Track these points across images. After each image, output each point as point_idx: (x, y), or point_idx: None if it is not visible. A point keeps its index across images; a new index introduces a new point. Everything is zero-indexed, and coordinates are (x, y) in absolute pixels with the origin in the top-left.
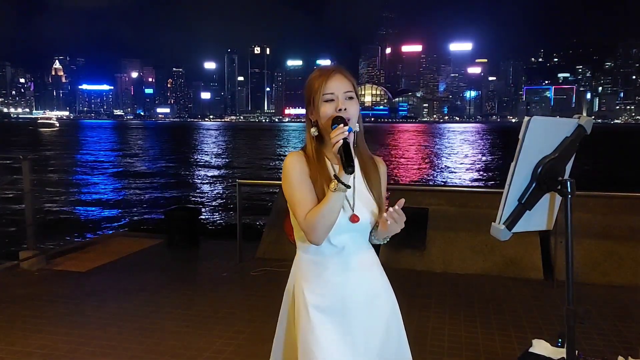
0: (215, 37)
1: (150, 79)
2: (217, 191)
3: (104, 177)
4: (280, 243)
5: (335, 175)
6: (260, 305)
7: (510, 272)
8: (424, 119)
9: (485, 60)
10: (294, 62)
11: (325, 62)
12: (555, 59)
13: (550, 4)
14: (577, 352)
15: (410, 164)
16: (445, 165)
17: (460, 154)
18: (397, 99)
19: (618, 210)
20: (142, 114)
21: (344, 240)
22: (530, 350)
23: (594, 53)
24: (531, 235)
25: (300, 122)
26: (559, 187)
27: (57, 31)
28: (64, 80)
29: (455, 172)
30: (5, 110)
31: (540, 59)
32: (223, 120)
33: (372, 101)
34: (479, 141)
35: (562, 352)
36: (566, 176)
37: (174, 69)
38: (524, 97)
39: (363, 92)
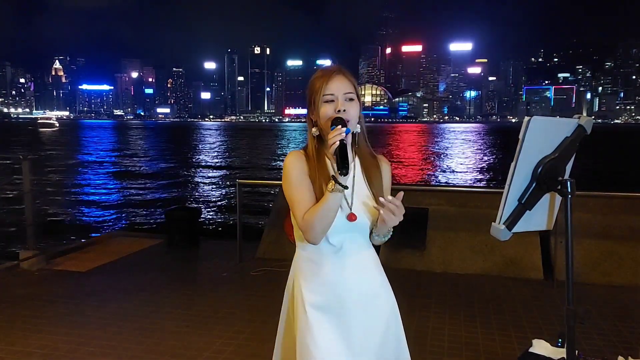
0: (215, 37)
1: (150, 79)
2: (217, 191)
3: (104, 177)
4: (280, 243)
5: (333, 176)
6: (260, 305)
7: (510, 272)
8: (424, 119)
9: (485, 60)
10: (294, 62)
11: (325, 62)
12: (555, 59)
13: (550, 4)
14: (577, 352)
15: (410, 164)
16: (445, 165)
17: (460, 154)
18: (397, 99)
19: (618, 210)
20: (142, 114)
21: (342, 240)
22: (530, 350)
23: (594, 53)
24: (531, 235)
25: (300, 122)
26: (559, 187)
27: (57, 31)
28: (64, 80)
29: (455, 172)
30: (5, 110)
31: (540, 59)
32: (223, 120)
33: (372, 101)
34: (479, 141)
35: (562, 352)
36: (566, 176)
37: (174, 69)
38: (524, 97)
39: (363, 92)
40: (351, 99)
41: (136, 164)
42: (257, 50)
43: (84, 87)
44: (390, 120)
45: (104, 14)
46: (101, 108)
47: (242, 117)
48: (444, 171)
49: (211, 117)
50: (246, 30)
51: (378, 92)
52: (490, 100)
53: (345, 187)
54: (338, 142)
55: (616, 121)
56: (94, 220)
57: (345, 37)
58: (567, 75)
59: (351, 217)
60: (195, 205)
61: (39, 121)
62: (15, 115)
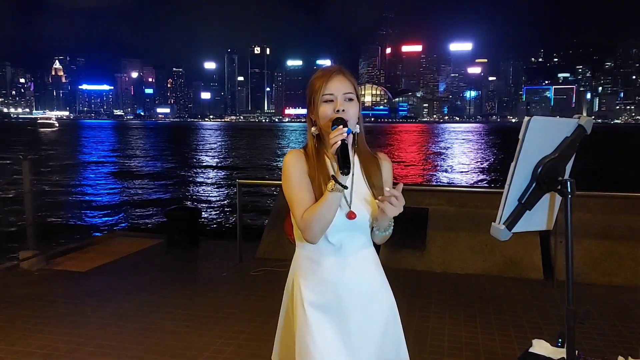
0: (215, 37)
1: (150, 79)
2: (217, 191)
3: (104, 177)
4: (280, 243)
5: (332, 176)
6: (260, 305)
7: (510, 272)
8: (424, 119)
9: (485, 60)
10: (294, 62)
11: (325, 62)
12: (555, 59)
13: (550, 4)
14: (577, 352)
15: (410, 164)
16: (445, 165)
17: (461, 154)
18: (397, 99)
19: (618, 210)
20: (142, 114)
21: (342, 239)
22: (530, 350)
23: (594, 53)
24: (531, 235)
25: (300, 122)
26: (559, 187)
27: (57, 31)
28: (64, 80)
29: (455, 172)
30: (5, 110)
31: (540, 59)
32: (223, 120)
33: (372, 101)
34: (479, 141)
35: (562, 352)
36: (566, 176)
37: (174, 69)
38: (524, 97)
39: (363, 92)
40: (350, 99)
41: (136, 164)
42: (257, 50)
43: (84, 87)
44: (390, 120)
45: (104, 14)
46: (101, 108)
47: (242, 117)
48: (444, 171)
49: (211, 117)
50: (246, 30)
51: (378, 92)
52: (490, 100)
53: (345, 187)
54: (339, 142)
55: (616, 121)
56: (94, 220)
57: (345, 37)
58: (567, 75)
59: (350, 216)
60: (195, 205)
61: (39, 121)
62: (15, 115)
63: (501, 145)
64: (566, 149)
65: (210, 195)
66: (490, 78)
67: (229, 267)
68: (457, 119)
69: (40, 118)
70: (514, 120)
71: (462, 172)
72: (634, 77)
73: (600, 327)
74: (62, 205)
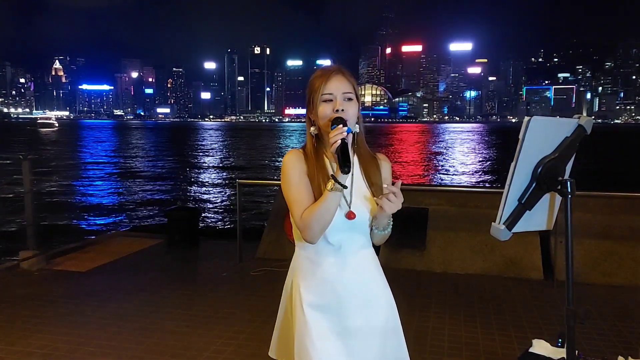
0: (215, 37)
1: (150, 79)
2: (217, 191)
3: (104, 177)
4: (280, 243)
5: (332, 175)
6: (260, 305)
7: (510, 272)
8: (424, 119)
9: (485, 60)
10: (294, 62)
11: (325, 62)
12: (555, 59)
13: (550, 4)
14: (577, 352)
15: (410, 164)
16: (445, 165)
17: (461, 154)
18: (397, 99)
19: (618, 210)
20: (142, 114)
21: (342, 239)
22: (530, 350)
23: (594, 53)
24: (531, 235)
25: (300, 122)
26: (559, 187)
27: (57, 31)
28: (64, 80)
29: (455, 172)
30: (5, 110)
31: (540, 59)
32: (223, 120)
33: (372, 101)
34: (479, 141)
35: (562, 352)
36: (566, 176)
37: (174, 69)
38: (524, 97)
39: (363, 92)
40: (350, 99)
41: (136, 164)
42: (257, 50)
43: (84, 87)
44: (390, 120)
45: (104, 14)
46: (101, 108)
47: (242, 117)
48: (444, 171)
49: (211, 117)
50: (246, 30)
51: (378, 92)
52: (490, 100)
53: (345, 187)
54: (339, 141)
55: (616, 121)
56: (94, 220)
57: (345, 37)
58: (567, 75)
59: (350, 216)
60: (195, 205)
61: (39, 121)
62: (15, 115)
63: (501, 145)
64: (566, 149)
65: (211, 195)
66: (490, 78)
67: (229, 267)
68: (457, 119)
69: (40, 118)
70: (514, 120)
71: (462, 172)
72: (634, 77)
73: (600, 327)
74: (62, 205)
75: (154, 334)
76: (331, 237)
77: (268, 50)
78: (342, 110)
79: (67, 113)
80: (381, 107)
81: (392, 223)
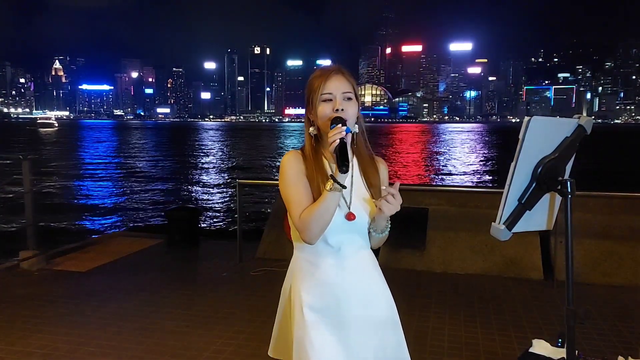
0: (215, 37)
1: (150, 79)
2: (217, 191)
3: (104, 177)
4: (280, 243)
5: (331, 175)
6: (260, 305)
7: (510, 272)
8: (424, 119)
9: (485, 60)
10: (294, 62)
11: (325, 62)
12: (555, 59)
13: (550, 4)
14: (577, 352)
15: (410, 164)
16: (445, 165)
17: (461, 154)
18: (397, 99)
19: (618, 210)
20: (142, 114)
21: (341, 241)
22: (530, 350)
23: (594, 53)
24: (531, 235)
25: (300, 122)
26: (559, 187)
27: (57, 31)
28: (64, 80)
29: (455, 172)
30: (5, 110)
31: (540, 59)
32: (223, 120)
33: (372, 101)
34: (479, 141)
35: (562, 352)
36: (566, 176)
37: (174, 69)
38: (524, 97)
39: (363, 92)
40: (349, 99)
41: (136, 164)
42: (257, 50)
43: (84, 87)
44: (390, 120)
45: (104, 14)
46: (101, 108)
47: (242, 117)
48: (444, 171)
49: (211, 117)
50: (246, 30)
51: (378, 92)
52: (490, 100)
53: (344, 187)
54: (338, 141)
55: (616, 121)
56: (94, 220)
57: (345, 37)
58: (567, 75)
59: (349, 217)
60: (195, 205)
61: (39, 121)
62: (15, 115)
63: (501, 145)
64: (566, 149)
65: (211, 195)
66: (490, 78)
67: (229, 267)
68: (457, 119)
69: (40, 118)
70: (514, 120)
71: (462, 172)
72: (634, 77)
73: (600, 327)
74: (62, 205)
75: (154, 334)
76: (331, 239)
77: (268, 50)
78: (342, 109)
79: (67, 113)
80: (381, 107)
81: (390, 225)
